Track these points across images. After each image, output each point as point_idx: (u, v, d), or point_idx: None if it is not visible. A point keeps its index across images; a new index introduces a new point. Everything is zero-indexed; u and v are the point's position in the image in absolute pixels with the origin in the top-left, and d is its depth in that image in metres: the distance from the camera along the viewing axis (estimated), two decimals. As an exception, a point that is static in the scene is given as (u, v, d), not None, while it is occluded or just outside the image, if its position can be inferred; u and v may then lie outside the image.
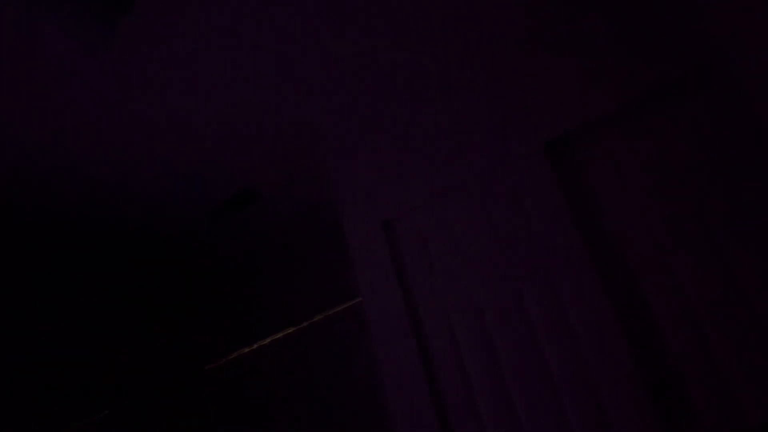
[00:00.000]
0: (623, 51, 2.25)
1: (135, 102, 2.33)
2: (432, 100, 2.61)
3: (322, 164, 3.09)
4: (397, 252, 2.53)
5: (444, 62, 2.61)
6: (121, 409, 3.31)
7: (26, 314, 3.26)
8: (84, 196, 2.72)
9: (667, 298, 2.04)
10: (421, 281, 2.44)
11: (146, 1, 1.92)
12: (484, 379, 2.24)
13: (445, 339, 2.34)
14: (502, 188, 2.36)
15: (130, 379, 3.41)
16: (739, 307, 1.95)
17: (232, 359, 3.64)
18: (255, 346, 3.51)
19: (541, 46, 2.42)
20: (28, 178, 2.48)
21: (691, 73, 2.13)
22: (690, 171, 2.10)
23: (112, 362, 3.36)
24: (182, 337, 3.99)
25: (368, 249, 2.56)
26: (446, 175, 2.48)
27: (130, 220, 3.04)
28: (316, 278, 3.82)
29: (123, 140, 2.49)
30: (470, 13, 2.43)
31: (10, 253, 2.92)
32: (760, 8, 1.66)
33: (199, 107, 2.46)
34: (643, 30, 2.23)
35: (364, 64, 2.53)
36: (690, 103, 2.14)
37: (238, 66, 2.31)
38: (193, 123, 2.53)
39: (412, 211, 2.53)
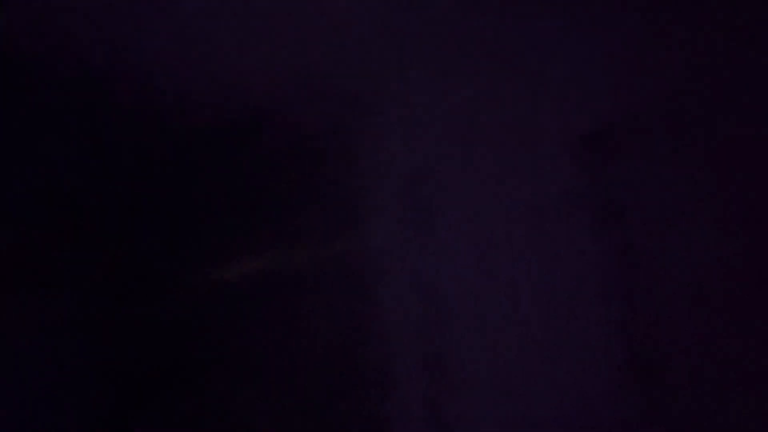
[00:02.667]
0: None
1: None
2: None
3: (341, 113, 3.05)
4: (413, 210, 2.52)
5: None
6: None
7: None
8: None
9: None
10: (436, 245, 2.44)
11: None
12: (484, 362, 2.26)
13: (457, 307, 2.35)
14: (529, 169, 2.34)
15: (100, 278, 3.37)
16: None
17: (208, 280, 3.57)
18: (233, 271, 3.44)
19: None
20: None
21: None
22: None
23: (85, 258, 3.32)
24: (163, 248, 3.93)
25: (385, 202, 2.55)
26: (474, 142, 2.44)
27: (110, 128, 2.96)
28: (314, 212, 3.76)
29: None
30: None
31: None
32: None
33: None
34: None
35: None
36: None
37: None
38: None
39: (436, 173, 2.50)
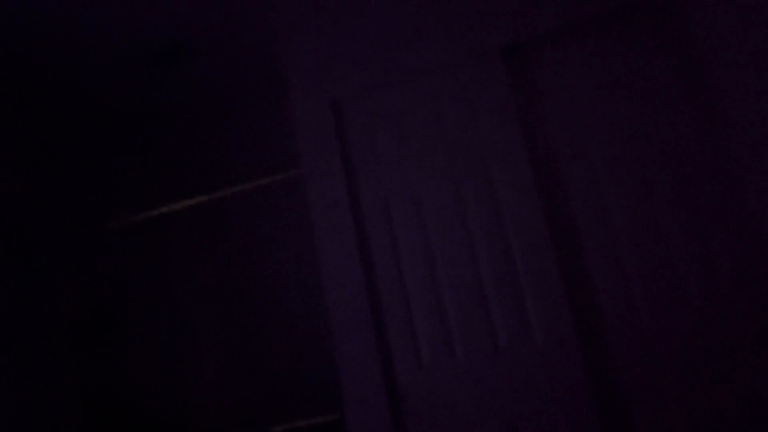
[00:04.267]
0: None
1: None
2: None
3: (270, 33, 2.93)
4: (343, 133, 2.49)
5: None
6: (5, 253, 3.13)
7: None
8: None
9: (594, 215, 2.21)
10: (364, 167, 2.45)
11: None
12: (416, 266, 2.34)
13: (383, 225, 2.39)
14: (455, 83, 2.39)
15: (19, 223, 3.21)
16: (658, 240, 2.16)
17: (138, 220, 3.46)
18: (164, 209, 3.35)
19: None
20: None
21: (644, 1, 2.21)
22: (631, 98, 2.22)
23: (16, 208, 3.14)
24: (85, 189, 3.76)
25: (315, 128, 2.50)
26: (401, 62, 2.44)
27: (35, 61, 2.76)
28: (246, 145, 3.69)
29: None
30: None
31: None
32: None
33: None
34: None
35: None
36: (638, 29, 2.24)
37: None
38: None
39: (362, 94, 2.49)
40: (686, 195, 2.12)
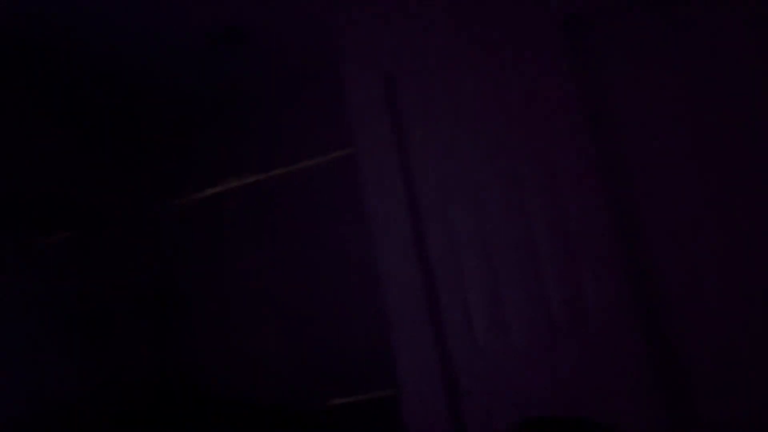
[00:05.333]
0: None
1: None
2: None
3: (324, 6, 2.90)
4: (397, 110, 2.45)
5: None
6: (83, 234, 3.28)
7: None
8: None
9: (661, 202, 2.09)
10: (418, 146, 2.39)
11: None
12: (472, 247, 2.28)
13: (437, 205, 2.34)
14: (515, 57, 2.28)
15: (93, 206, 3.36)
16: (727, 223, 2.01)
17: (196, 199, 3.57)
18: (220, 189, 3.43)
19: None
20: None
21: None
22: (712, 78, 2.04)
23: (76, 185, 3.30)
24: (152, 168, 3.91)
25: (367, 104, 2.47)
26: (458, 35, 2.36)
27: (100, 43, 2.85)
28: (301, 124, 3.72)
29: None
30: None
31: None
32: None
33: None
34: None
35: None
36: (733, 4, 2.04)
37: None
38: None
39: (417, 70, 2.43)
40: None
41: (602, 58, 2.20)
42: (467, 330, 2.22)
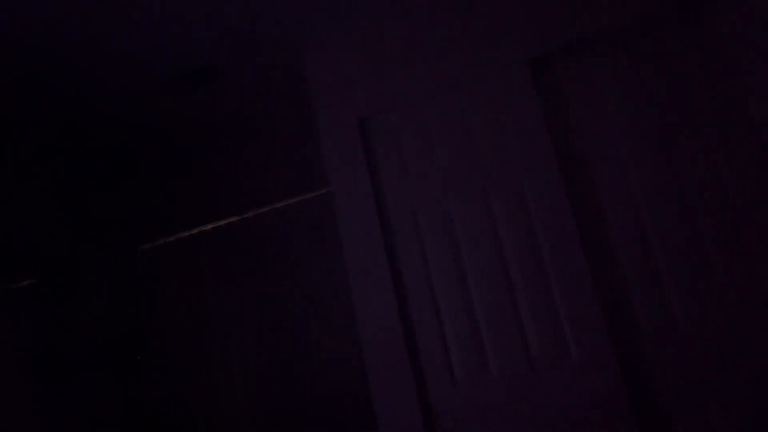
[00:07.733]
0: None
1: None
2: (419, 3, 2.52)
3: (295, 53, 2.96)
4: (370, 149, 2.50)
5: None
6: (47, 280, 3.21)
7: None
8: (16, 64, 2.49)
9: (627, 225, 2.18)
10: (392, 182, 2.45)
11: None
12: (447, 280, 2.32)
13: (412, 240, 2.39)
14: (482, 96, 2.39)
15: (58, 251, 3.30)
16: (695, 250, 2.12)
17: (170, 242, 3.54)
18: (195, 231, 3.42)
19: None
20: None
21: (674, 9, 2.20)
22: (661, 104, 2.19)
23: (42, 232, 3.24)
24: (119, 214, 3.87)
25: (342, 145, 2.52)
26: (428, 77, 2.44)
27: (66, 88, 2.84)
28: (276, 165, 3.74)
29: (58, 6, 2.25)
30: None
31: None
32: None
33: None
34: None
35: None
36: (669, 38, 2.22)
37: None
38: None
39: (388, 110, 2.50)
40: (722, 201, 2.07)
41: (565, 93, 2.31)
42: (445, 365, 2.22)
